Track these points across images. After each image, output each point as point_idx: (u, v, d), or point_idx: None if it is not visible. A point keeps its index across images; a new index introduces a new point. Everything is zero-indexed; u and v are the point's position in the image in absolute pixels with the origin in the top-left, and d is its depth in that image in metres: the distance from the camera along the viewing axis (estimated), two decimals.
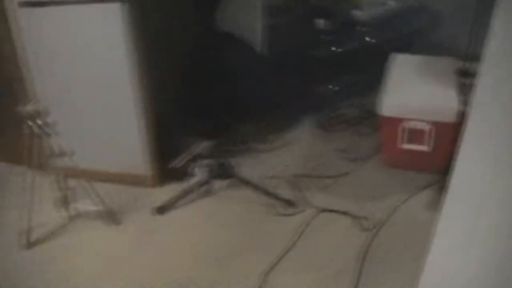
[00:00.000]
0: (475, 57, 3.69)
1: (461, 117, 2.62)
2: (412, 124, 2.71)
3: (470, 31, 3.39)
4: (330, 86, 3.40)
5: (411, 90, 2.81)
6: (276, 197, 2.68)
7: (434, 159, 2.76)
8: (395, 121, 2.74)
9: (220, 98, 2.94)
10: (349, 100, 3.49)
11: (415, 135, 2.73)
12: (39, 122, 2.27)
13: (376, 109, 2.87)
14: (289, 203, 2.66)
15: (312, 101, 3.40)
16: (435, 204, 2.64)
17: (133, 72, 2.52)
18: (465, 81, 3.50)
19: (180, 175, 2.83)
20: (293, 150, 3.13)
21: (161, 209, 2.66)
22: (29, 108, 2.26)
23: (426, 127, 2.68)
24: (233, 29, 3.05)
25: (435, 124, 2.67)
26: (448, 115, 2.63)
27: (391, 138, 2.80)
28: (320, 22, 3.25)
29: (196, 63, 2.93)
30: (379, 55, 3.21)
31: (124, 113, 2.64)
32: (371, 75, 3.23)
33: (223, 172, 2.75)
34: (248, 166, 2.96)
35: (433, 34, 3.59)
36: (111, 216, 2.61)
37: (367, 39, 3.36)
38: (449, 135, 2.67)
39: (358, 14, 3.37)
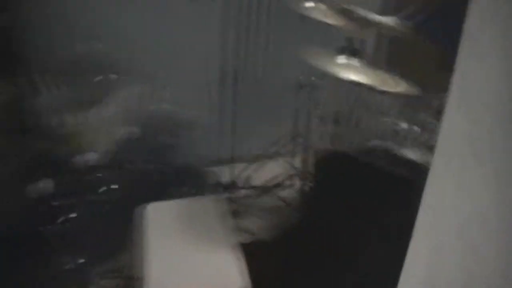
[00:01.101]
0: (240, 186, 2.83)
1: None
2: None
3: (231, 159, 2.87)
4: (77, 261, 2.56)
5: (179, 265, 2.15)
6: None
7: None
8: None
9: None
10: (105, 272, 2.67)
11: None
12: None
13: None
14: None
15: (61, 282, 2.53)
16: None
17: None
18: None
19: None
20: None
21: None
22: None
23: None
24: None
25: None
26: None
27: None
28: (39, 186, 2.46)
29: None
30: (132, 203, 2.54)
31: None
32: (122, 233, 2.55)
33: None
34: None
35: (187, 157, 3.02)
36: None
37: (111, 186, 2.67)
38: None
39: (91, 157, 2.67)
